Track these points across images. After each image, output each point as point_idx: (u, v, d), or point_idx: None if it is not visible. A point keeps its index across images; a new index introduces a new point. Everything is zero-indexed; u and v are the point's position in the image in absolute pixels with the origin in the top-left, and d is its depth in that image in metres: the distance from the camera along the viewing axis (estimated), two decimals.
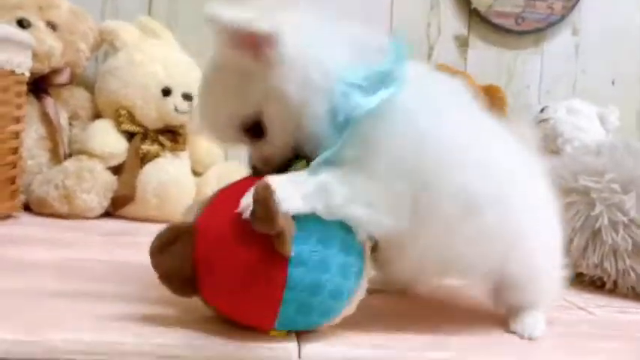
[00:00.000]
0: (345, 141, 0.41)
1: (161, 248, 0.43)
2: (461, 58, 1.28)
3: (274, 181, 0.39)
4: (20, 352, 0.36)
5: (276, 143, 0.45)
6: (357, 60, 0.43)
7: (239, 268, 0.39)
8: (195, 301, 0.43)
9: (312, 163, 0.42)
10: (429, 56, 1.27)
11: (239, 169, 1.06)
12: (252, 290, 0.39)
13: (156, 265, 0.43)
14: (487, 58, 1.28)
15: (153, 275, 0.54)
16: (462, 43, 1.28)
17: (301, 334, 0.41)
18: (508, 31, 1.27)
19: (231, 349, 0.39)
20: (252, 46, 0.41)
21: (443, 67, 1.15)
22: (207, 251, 0.41)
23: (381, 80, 0.41)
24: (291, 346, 0.39)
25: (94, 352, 0.36)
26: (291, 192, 0.40)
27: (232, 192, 0.43)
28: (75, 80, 1.02)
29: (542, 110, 1.19)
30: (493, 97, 1.14)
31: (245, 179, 0.46)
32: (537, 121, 1.18)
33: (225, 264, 0.40)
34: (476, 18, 1.27)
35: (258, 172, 0.45)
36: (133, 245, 0.72)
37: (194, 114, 0.99)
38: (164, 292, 0.48)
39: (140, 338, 0.38)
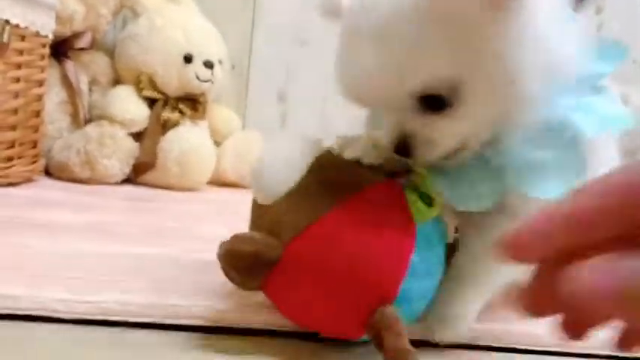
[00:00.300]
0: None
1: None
2: None
3: None
4: (76, 312, 0.36)
5: (467, 121, 0.32)
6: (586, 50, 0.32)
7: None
8: None
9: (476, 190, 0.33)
10: None
11: (257, 139, 1.06)
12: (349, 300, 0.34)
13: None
14: None
15: (187, 239, 0.55)
16: None
17: None
18: None
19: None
20: None
21: None
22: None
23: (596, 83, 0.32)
24: None
25: (144, 315, 0.36)
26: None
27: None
28: (95, 45, 1.01)
29: None
30: None
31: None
32: None
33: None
34: None
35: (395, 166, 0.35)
36: (156, 210, 0.72)
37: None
38: (206, 254, 0.48)
39: (190, 300, 0.38)
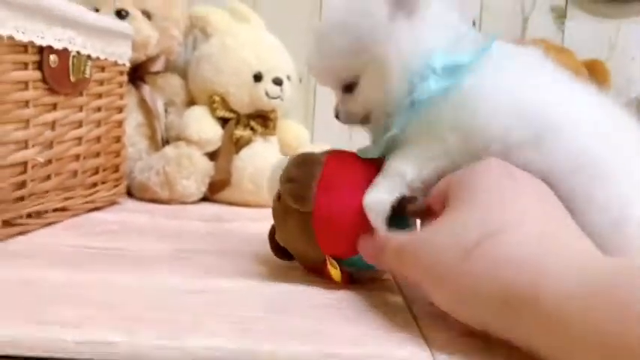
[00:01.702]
0: (410, 120, 0.46)
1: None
2: (558, 30, 1.20)
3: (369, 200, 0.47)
4: (160, 357, 0.37)
5: (360, 103, 0.51)
6: (450, 48, 0.46)
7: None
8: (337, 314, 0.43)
9: (379, 140, 0.49)
10: (524, 29, 1.20)
11: None
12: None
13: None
14: (586, 30, 1.20)
15: (267, 266, 0.55)
16: (560, 14, 1.20)
17: (433, 344, 0.40)
18: None
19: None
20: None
21: (541, 43, 1.09)
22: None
23: (455, 70, 0.44)
24: (424, 355, 0.39)
25: None
26: (381, 198, 0.47)
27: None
28: (168, 67, 1.04)
29: None
30: (595, 73, 1.08)
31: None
32: None
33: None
34: None
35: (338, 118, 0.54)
36: (235, 233, 0.73)
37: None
38: (285, 286, 0.49)
39: (278, 344, 0.38)
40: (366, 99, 0.50)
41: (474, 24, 1.20)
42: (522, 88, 0.45)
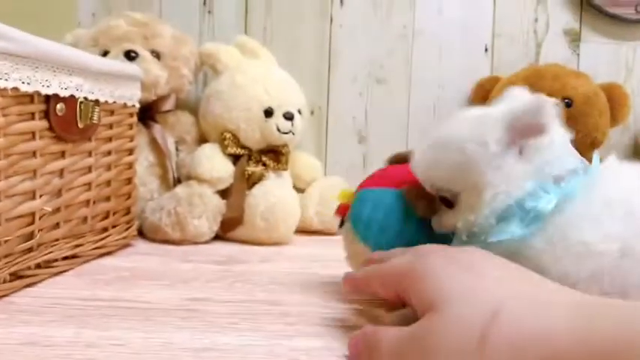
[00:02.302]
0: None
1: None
2: (573, 54, 1.18)
3: None
4: None
5: (456, 220, 0.51)
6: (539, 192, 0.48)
7: None
8: None
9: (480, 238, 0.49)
10: (537, 54, 1.18)
11: (340, 184, 1.05)
12: None
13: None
14: (602, 53, 1.18)
15: (278, 319, 0.53)
16: (574, 38, 1.18)
17: None
18: (626, 21, 1.16)
19: None
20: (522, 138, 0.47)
21: (556, 68, 1.07)
22: None
23: (536, 218, 0.47)
24: None
25: None
26: None
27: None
28: (178, 104, 1.04)
29: None
30: (614, 97, 1.05)
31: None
32: None
33: None
34: (588, 9, 1.17)
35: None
36: (247, 276, 0.72)
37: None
38: (296, 341, 0.47)
39: None
40: (462, 219, 0.50)
41: (486, 50, 1.18)
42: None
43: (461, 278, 0.38)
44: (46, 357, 0.44)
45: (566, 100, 1.01)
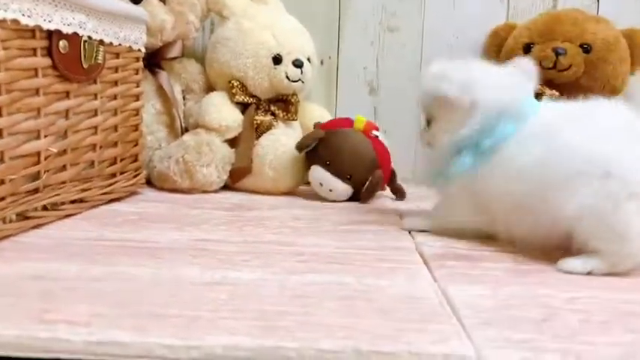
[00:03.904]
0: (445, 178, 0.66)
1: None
2: (593, 1, 1.14)
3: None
4: (174, 358, 0.34)
5: (429, 138, 0.68)
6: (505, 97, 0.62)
7: None
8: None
9: (445, 172, 0.65)
10: (555, 1, 1.14)
11: None
12: None
13: None
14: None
15: (290, 257, 0.52)
16: None
17: (476, 339, 0.36)
18: None
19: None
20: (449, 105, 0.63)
21: (576, 13, 1.03)
22: None
23: (480, 151, 0.62)
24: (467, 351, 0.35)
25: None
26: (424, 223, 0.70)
27: None
28: (185, 52, 1.01)
29: None
30: (635, 42, 1.01)
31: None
32: None
33: None
34: None
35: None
36: (256, 221, 0.70)
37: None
38: (310, 276, 0.46)
39: (300, 341, 0.35)
40: (437, 134, 0.66)
41: None
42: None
43: None
44: (51, 289, 0.43)
45: (585, 46, 0.97)
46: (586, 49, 0.97)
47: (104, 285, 0.45)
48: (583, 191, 0.54)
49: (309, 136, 0.91)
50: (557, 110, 0.62)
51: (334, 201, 0.88)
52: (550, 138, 0.57)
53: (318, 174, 0.88)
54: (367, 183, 0.87)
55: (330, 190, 0.88)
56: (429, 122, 0.68)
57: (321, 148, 0.90)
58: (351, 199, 0.89)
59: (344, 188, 0.88)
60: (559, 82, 0.97)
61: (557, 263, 0.55)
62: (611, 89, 0.99)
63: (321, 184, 0.88)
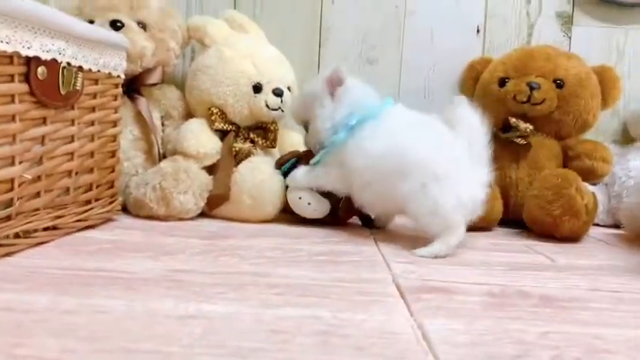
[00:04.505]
0: (326, 153, 0.85)
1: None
2: (565, 37, 1.17)
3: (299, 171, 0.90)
4: None
5: (310, 139, 0.90)
6: (355, 111, 0.83)
7: None
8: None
9: (312, 160, 0.88)
10: (529, 36, 1.17)
11: None
12: None
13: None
14: (593, 36, 1.18)
15: (265, 289, 0.52)
16: (566, 20, 1.17)
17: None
18: (617, 5, 1.16)
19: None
20: (332, 88, 0.85)
21: (548, 49, 1.06)
22: None
23: (349, 127, 0.82)
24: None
25: None
26: (302, 178, 0.89)
27: None
28: (165, 79, 1.02)
29: None
30: (605, 79, 1.04)
31: None
32: None
33: None
34: None
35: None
36: (232, 250, 0.70)
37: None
38: (285, 310, 0.45)
39: None
40: (311, 136, 0.89)
41: (478, 31, 1.17)
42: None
43: None
44: (22, 322, 0.42)
45: (558, 81, 1.00)
46: (559, 84, 1.00)
47: (76, 318, 0.44)
48: (407, 180, 0.75)
49: (288, 154, 0.94)
50: (402, 115, 0.83)
51: (316, 221, 0.89)
52: (391, 135, 0.78)
53: (297, 190, 0.90)
54: (343, 198, 0.88)
55: (309, 204, 0.89)
56: (307, 128, 0.89)
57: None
58: (331, 217, 0.90)
59: (323, 203, 0.89)
60: (533, 116, 1.00)
61: (412, 251, 0.74)
62: (582, 123, 1.02)
63: (300, 198, 0.89)
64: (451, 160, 0.76)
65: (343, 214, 0.91)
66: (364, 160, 0.79)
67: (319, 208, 0.89)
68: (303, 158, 0.92)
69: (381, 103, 0.84)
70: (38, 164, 0.66)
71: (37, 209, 0.67)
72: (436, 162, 0.75)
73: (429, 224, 0.75)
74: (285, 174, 0.92)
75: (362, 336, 0.43)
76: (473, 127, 0.78)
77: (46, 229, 0.69)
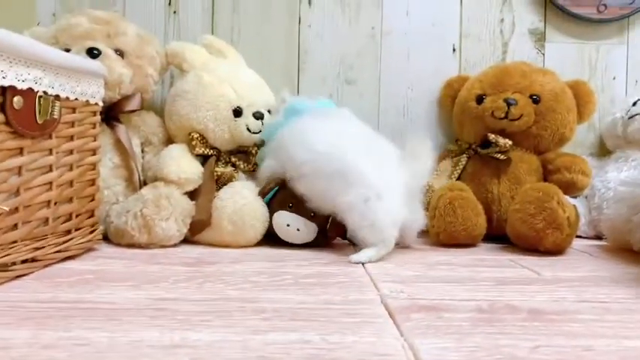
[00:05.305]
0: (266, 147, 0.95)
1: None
2: (538, 53, 1.20)
3: None
4: None
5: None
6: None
7: None
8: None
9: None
10: (504, 54, 1.19)
11: None
12: None
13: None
14: (566, 52, 1.20)
15: (251, 315, 0.51)
16: (539, 38, 1.20)
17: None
18: (588, 21, 1.18)
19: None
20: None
21: (523, 66, 1.08)
22: None
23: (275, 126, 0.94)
24: None
25: None
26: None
27: None
28: (144, 105, 1.01)
29: (634, 104, 1.10)
30: (580, 93, 1.06)
31: None
32: (630, 115, 1.09)
33: None
34: (552, 9, 1.19)
35: None
36: (216, 277, 0.69)
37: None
38: (272, 335, 0.45)
39: None
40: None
41: (454, 50, 1.19)
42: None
43: None
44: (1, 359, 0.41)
45: (534, 97, 1.02)
46: (535, 99, 1.02)
47: (56, 353, 0.42)
48: (350, 191, 0.80)
49: (270, 182, 0.92)
50: (350, 120, 0.92)
51: (300, 244, 0.88)
52: (336, 135, 0.85)
53: (284, 217, 0.89)
54: (330, 218, 0.87)
55: (298, 230, 0.88)
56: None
57: (281, 194, 0.90)
58: (318, 238, 0.90)
59: (310, 226, 0.89)
60: (511, 131, 1.01)
61: (348, 257, 0.80)
62: (560, 137, 1.04)
63: (288, 225, 0.89)
64: (392, 181, 0.83)
65: (332, 233, 0.90)
66: (304, 154, 0.85)
67: (309, 231, 0.89)
68: (286, 186, 0.91)
69: (319, 102, 0.94)
70: (15, 195, 0.65)
71: (15, 241, 0.66)
72: (380, 180, 0.81)
73: (367, 235, 0.81)
74: (269, 204, 0.92)
75: (352, 358, 0.42)
76: (421, 166, 0.86)
77: (24, 261, 0.67)
